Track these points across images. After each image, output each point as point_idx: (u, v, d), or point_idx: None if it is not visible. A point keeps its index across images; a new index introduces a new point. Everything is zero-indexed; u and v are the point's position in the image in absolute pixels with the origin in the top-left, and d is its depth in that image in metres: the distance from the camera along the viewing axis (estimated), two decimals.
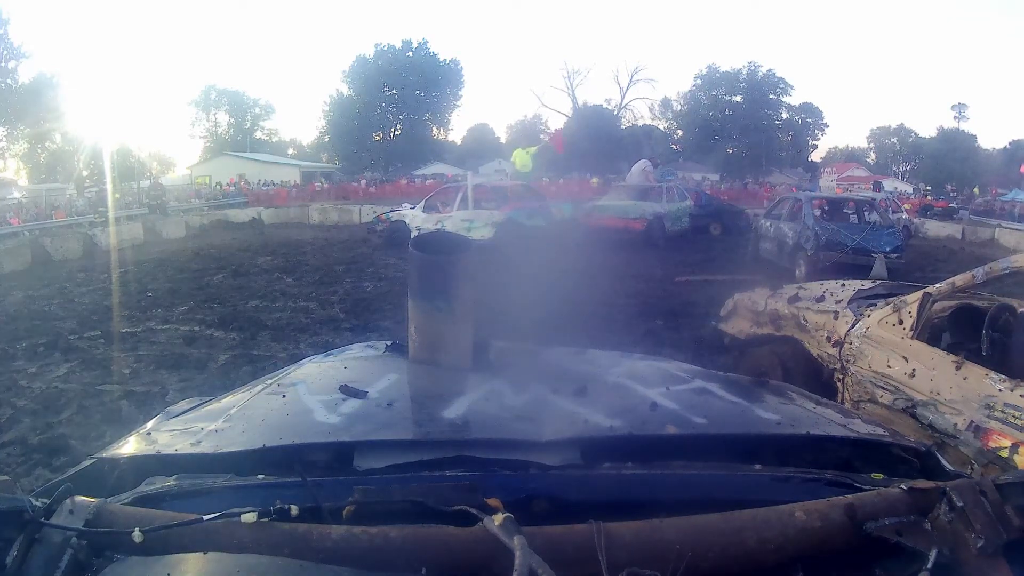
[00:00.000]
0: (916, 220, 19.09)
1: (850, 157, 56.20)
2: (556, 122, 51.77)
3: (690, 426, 1.10)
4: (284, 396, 1.25)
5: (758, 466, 0.98)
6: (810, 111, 48.62)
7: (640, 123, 50.37)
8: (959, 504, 0.74)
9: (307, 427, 1.09)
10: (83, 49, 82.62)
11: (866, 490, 0.85)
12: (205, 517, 0.73)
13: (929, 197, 30.49)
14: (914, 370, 2.79)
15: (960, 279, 2.92)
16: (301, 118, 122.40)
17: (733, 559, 0.72)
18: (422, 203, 13.46)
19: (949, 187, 39.23)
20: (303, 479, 0.80)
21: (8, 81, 32.82)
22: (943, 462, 1.07)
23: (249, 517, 0.72)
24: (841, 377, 3.21)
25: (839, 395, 3.16)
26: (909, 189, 39.71)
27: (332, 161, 48.75)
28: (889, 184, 37.01)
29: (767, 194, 27.90)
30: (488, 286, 5.57)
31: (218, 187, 31.54)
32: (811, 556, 0.75)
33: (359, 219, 19.08)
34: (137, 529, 0.71)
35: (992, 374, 2.48)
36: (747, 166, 45.38)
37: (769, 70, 47.02)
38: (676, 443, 1.04)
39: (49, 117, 33.84)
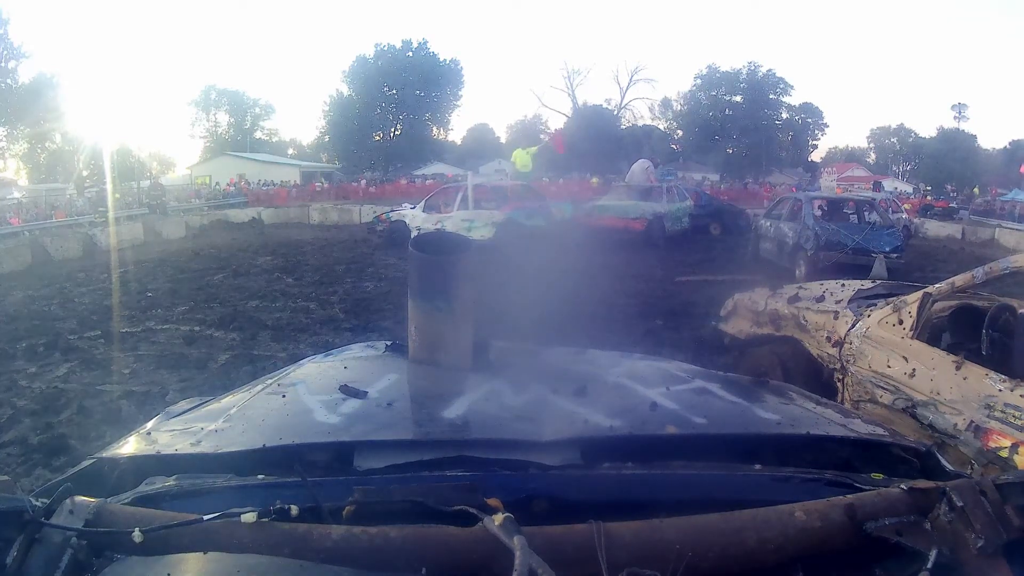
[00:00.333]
0: (916, 220, 19.08)
1: (850, 157, 56.17)
2: (556, 122, 51.94)
3: (690, 426, 1.10)
4: (284, 396, 1.25)
5: (758, 466, 0.98)
6: (810, 111, 48.62)
7: (640, 123, 50.38)
8: (959, 504, 0.74)
9: (307, 427, 1.09)
10: (83, 49, 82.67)
11: (866, 490, 0.85)
12: (205, 517, 0.73)
13: (929, 197, 30.49)
14: (914, 370, 2.79)
15: (960, 279, 2.91)
16: (301, 118, 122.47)
17: (733, 559, 0.72)
18: (422, 203, 13.46)
19: (949, 187, 39.23)
20: (303, 479, 0.80)
21: (8, 81, 32.82)
22: (943, 462, 1.07)
23: (249, 517, 0.72)
24: (841, 377, 3.21)
25: (839, 395, 3.16)
26: (909, 189, 39.69)
27: (332, 161, 48.73)
28: (889, 184, 37.00)
29: (767, 194, 27.88)
30: (488, 286, 5.56)
31: (217, 187, 31.52)
32: (811, 556, 0.75)
33: (359, 219, 19.09)
34: (137, 529, 0.71)
35: (992, 374, 2.48)
36: (747, 166, 45.36)
37: (769, 70, 47.08)
38: (676, 443, 1.04)
39: (49, 117, 33.84)
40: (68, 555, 0.70)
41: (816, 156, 50.77)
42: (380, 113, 47.98)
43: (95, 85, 65.81)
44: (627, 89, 50.74)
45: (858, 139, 74.33)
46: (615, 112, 50.60)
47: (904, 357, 2.87)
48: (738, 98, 47.33)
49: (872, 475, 0.97)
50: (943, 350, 2.81)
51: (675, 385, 1.33)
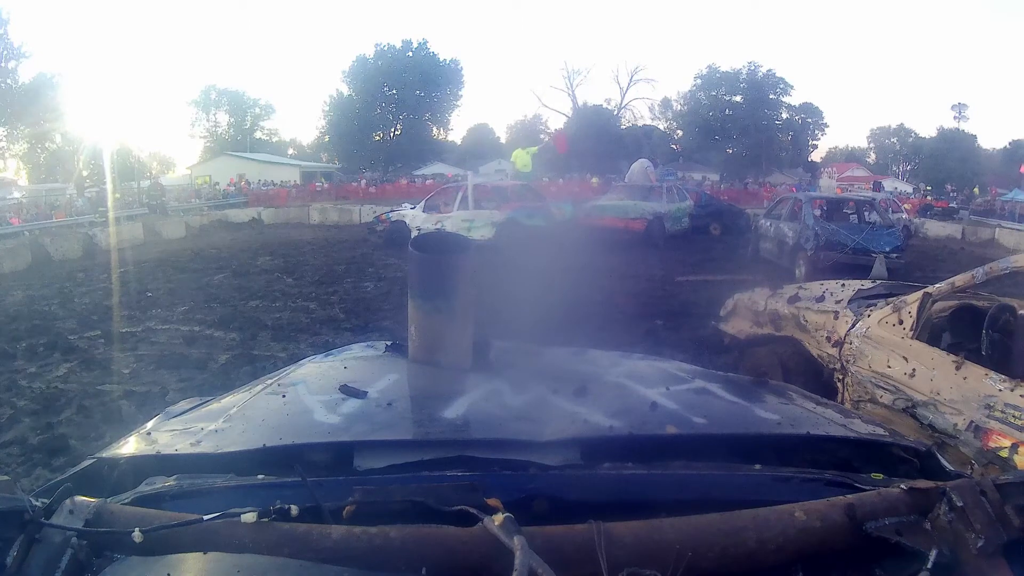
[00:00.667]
0: (916, 220, 19.09)
1: (850, 157, 56.18)
2: (556, 122, 51.91)
3: (690, 426, 1.09)
4: (284, 396, 1.25)
5: (758, 466, 0.98)
6: (810, 111, 48.54)
7: (640, 123, 50.30)
8: (959, 504, 0.74)
9: (307, 427, 1.09)
10: (83, 49, 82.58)
11: (866, 490, 0.85)
12: (205, 517, 0.73)
13: (929, 197, 30.51)
14: (914, 370, 2.79)
15: (960, 279, 2.91)
16: (301, 118, 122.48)
17: (733, 559, 0.72)
18: (422, 203, 13.46)
19: (949, 187, 39.23)
20: (303, 479, 0.80)
21: (8, 81, 32.77)
22: (943, 462, 1.07)
23: (249, 517, 0.72)
24: (841, 377, 3.21)
25: (839, 395, 3.16)
26: (909, 189, 39.71)
27: (332, 161, 48.73)
28: (889, 184, 37.02)
29: (767, 194, 27.88)
30: (488, 286, 5.56)
31: (217, 187, 31.51)
32: (811, 556, 0.75)
33: (359, 219, 19.10)
34: (137, 529, 0.71)
35: (992, 374, 2.48)
36: (747, 166, 45.31)
37: (769, 70, 46.96)
38: (676, 443, 1.04)
39: (49, 117, 33.81)
40: (68, 555, 0.70)
41: (816, 156, 50.77)
42: (380, 113, 47.95)
43: (95, 85, 65.73)
44: (627, 89, 50.70)
45: (858, 139, 74.47)
46: (615, 112, 50.53)
47: (904, 357, 2.87)
48: (738, 98, 47.25)
49: (872, 475, 0.97)
50: (943, 350, 2.81)
51: (675, 385, 1.33)
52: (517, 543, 0.65)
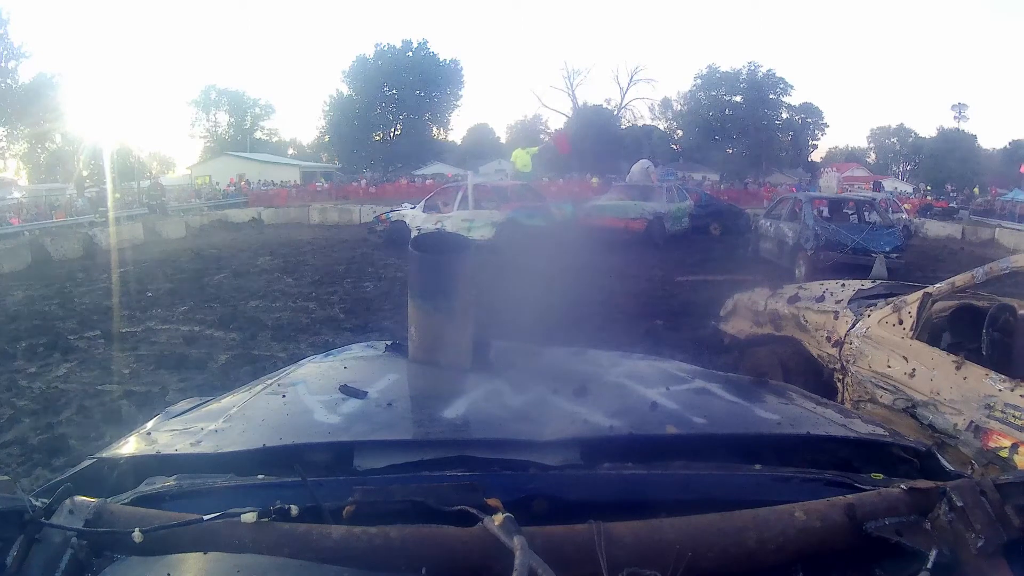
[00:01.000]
0: (916, 220, 19.09)
1: (850, 157, 56.14)
2: (556, 122, 51.91)
3: (690, 426, 1.09)
4: (284, 396, 1.25)
5: (758, 466, 0.98)
6: (810, 111, 48.56)
7: (640, 123, 50.35)
8: (959, 504, 0.74)
9: (307, 427, 1.09)
10: (83, 49, 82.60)
11: (866, 490, 0.85)
12: (205, 517, 0.73)
13: (929, 197, 30.51)
14: (914, 370, 2.79)
15: (960, 279, 2.91)
16: (301, 118, 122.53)
17: (733, 559, 0.72)
18: (422, 203, 13.47)
19: (949, 187, 39.22)
20: (303, 479, 0.80)
21: (8, 81, 32.80)
22: (943, 462, 1.07)
23: (249, 517, 0.72)
24: (841, 377, 3.21)
25: (839, 395, 3.16)
26: (909, 189, 39.69)
27: (332, 161, 48.73)
28: (889, 184, 37.00)
29: (767, 194, 27.88)
30: (488, 286, 5.56)
31: (217, 187, 31.51)
32: (811, 556, 0.75)
33: (359, 219, 19.10)
34: (137, 529, 0.71)
35: (992, 374, 2.48)
36: (747, 166, 45.30)
37: (769, 70, 46.99)
38: (676, 443, 1.04)
39: (49, 117, 33.84)
40: (68, 555, 0.70)
41: (816, 156, 50.85)
42: (380, 113, 48.03)
43: (95, 85, 65.80)
44: (627, 89, 50.69)
45: (858, 139, 74.44)
46: (615, 112, 50.55)
47: (904, 357, 2.87)
48: (738, 98, 47.27)
49: (872, 475, 0.97)
50: (943, 350, 2.81)
51: (675, 385, 1.33)
52: (517, 543, 0.65)
